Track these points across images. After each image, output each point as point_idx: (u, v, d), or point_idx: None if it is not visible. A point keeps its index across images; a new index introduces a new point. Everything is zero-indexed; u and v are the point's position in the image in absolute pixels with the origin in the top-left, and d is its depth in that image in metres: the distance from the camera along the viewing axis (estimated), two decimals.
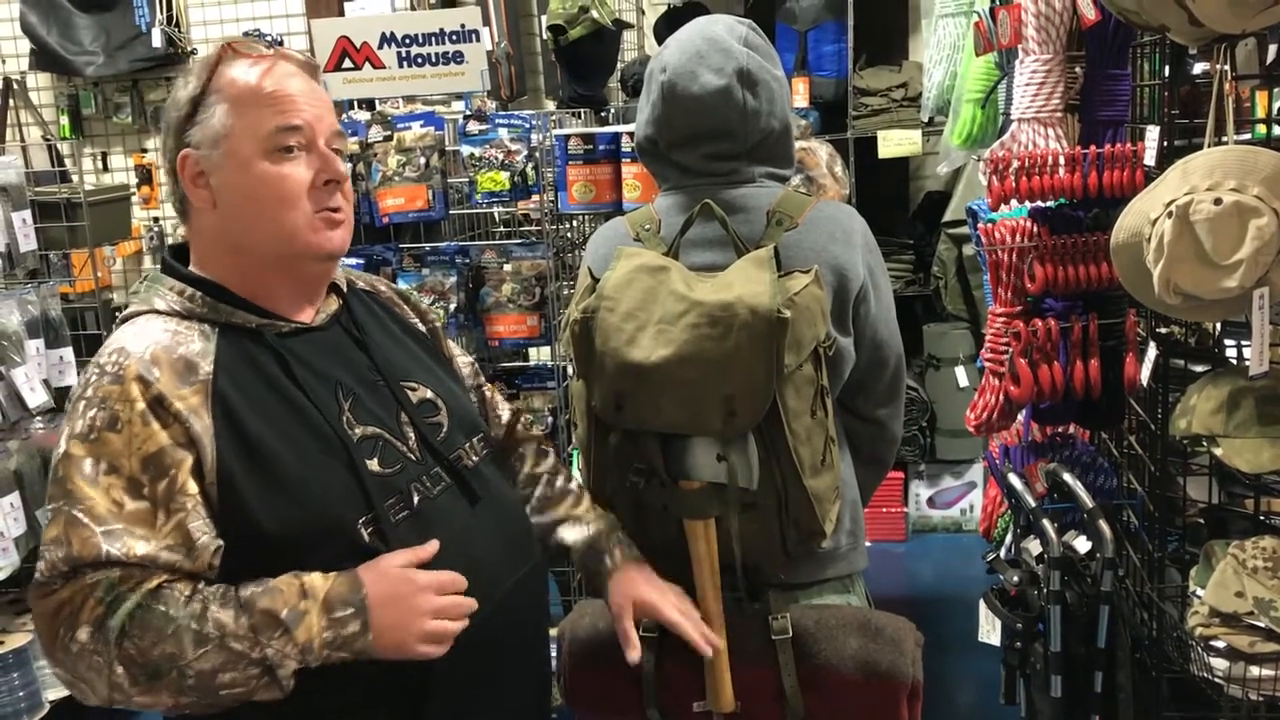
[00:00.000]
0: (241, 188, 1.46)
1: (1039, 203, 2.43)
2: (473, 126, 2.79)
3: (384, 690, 1.44)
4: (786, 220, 1.82)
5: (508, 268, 2.85)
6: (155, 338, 1.43)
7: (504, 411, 1.89)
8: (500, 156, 2.77)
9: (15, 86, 5.35)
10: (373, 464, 1.48)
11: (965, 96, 3.01)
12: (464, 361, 1.85)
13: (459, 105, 4.92)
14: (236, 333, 1.48)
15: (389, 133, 2.84)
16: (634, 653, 1.69)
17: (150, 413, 1.37)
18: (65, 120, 5.48)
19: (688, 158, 1.88)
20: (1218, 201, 1.86)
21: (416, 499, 1.50)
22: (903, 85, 4.53)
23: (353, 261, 2.91)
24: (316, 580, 1.38)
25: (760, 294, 1.65)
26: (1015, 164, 2.31)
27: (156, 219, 5.60)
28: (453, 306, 2.83)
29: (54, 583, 1.34)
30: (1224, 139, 2.02)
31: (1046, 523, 2.37)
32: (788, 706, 1.78)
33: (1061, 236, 2.38)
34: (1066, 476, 2.43)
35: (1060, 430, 2.82)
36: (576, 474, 1.93)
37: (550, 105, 4.75)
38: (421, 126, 2.84)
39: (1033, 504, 2.43)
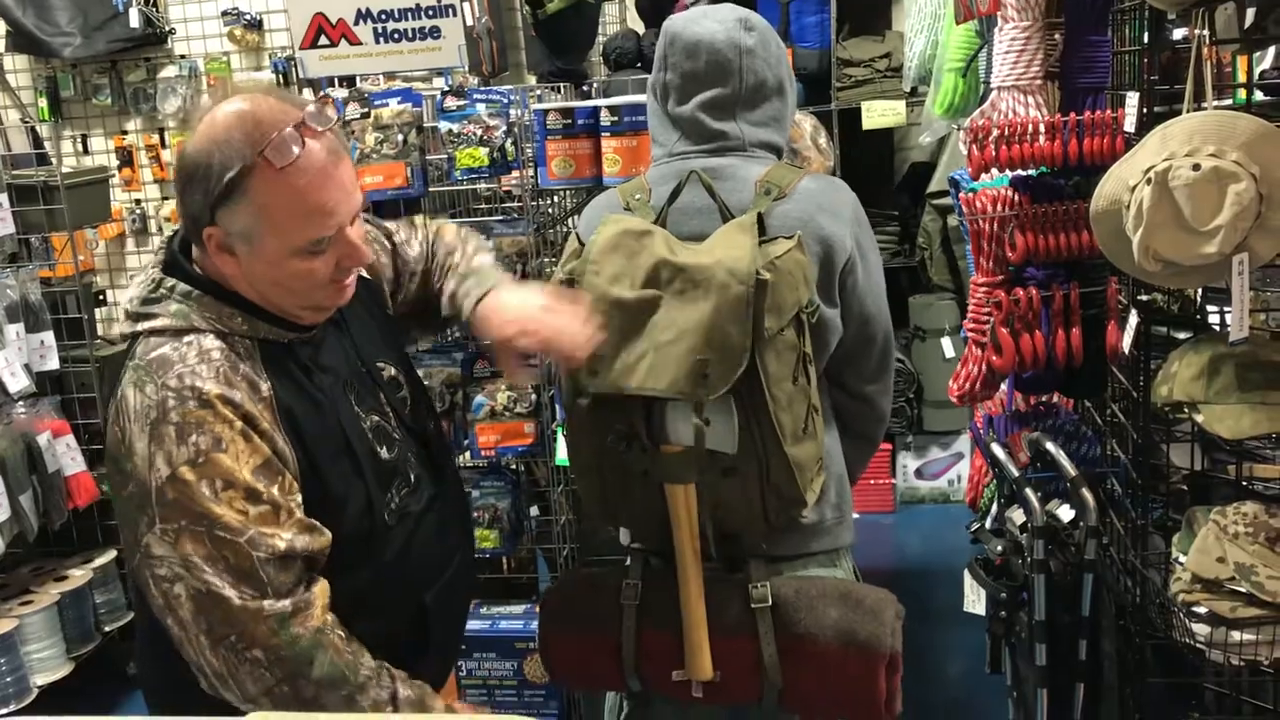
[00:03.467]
0: (269, 276, 1.52)
1: (1019, 171, 2.42)
2: (451, 103, 2.76)
3: (405, 623, 1.66)
4: (775, 190, 1.82)
5: (489, 244, 2.83)
6: (217, 359, 1.49)
7: (414, 248, 1.90)
8: (479, 132, 2.74)
9: None
10: (384, 452, 1.63)
11: (946, 65, 3.00)
12: (414, 258, 1.88)
13: (440, 82, 4.89)
14: (272, 347, 1.55)
15: (366, 110, 2.81)
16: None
17: (249, 428, 1.47)
18: (44, 103, 5.43)
19: (685, 109, 1.89)
20: (1196, 167, 1.86)
21: (412, 476, 1.68)
22: (886, 55, 4.51)
23: None
24: (430, 694, 1.60)
25: (740, 257, 1.66)
26: (995, 132, 2.30)
27: (139, 201, 5.56)
28: None
29: (223, 590, 1.45)
30: (1203, 104, 2.01)
31: (1030, 492, 2.38)
32: (765, 676, 1.79)
33: (1042, 205, 2.37)
34: (1049, 445, 2.43)
35: (1044, 399, 2.82)
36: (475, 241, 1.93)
37: (532, 81, 4.71)
38: (399, 103, 2.80)
39: (1016, 473, 2.43)
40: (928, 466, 4.86)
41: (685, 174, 1.83)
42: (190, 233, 1.54)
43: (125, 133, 5.51)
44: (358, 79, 3.95)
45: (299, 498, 1.51)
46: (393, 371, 1.74)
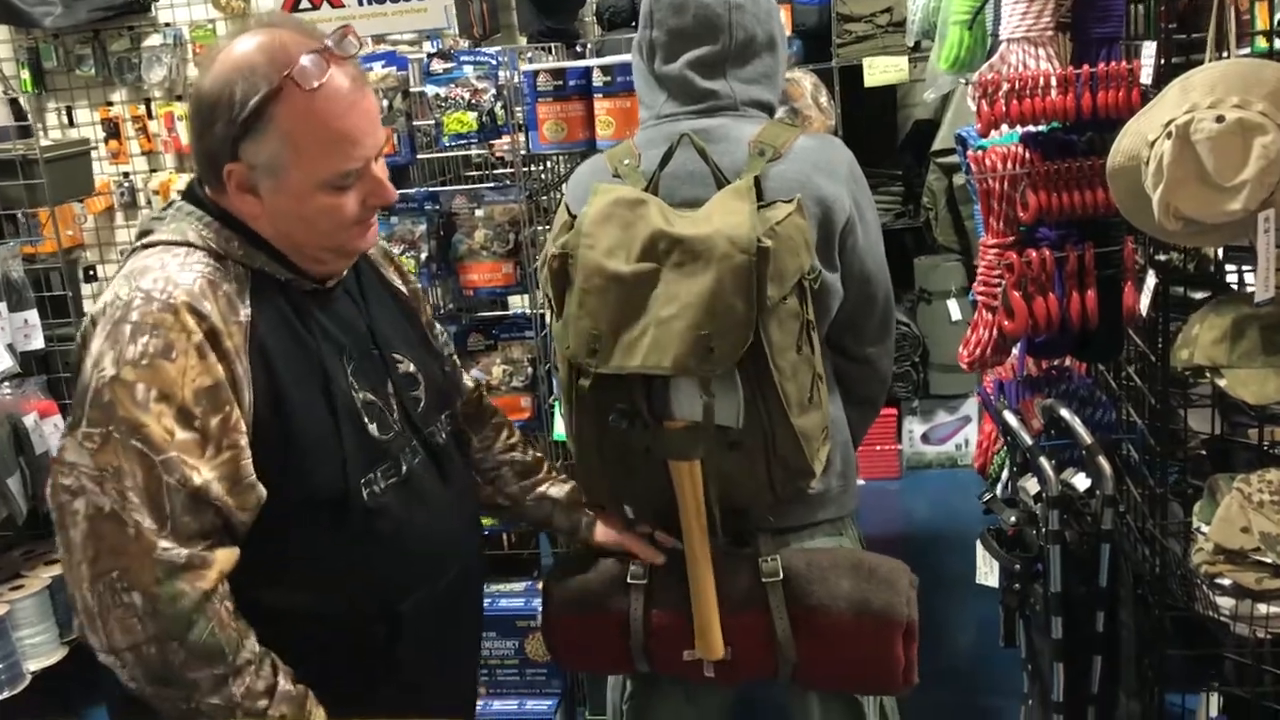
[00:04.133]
0: (294, 211, 1.45)
1: (1030, 127, 2.32)
2: (437, 65, 2.66)
3: (362, 638, 1.51)
4: (769, 151, 1.75)
5: (480, 213, 2.74)
6: (200, 270, 1.41)
7: (469, 381, 1.95)
8: (467, 96, 2.64)
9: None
10: (373, 428, 1.52)
11: (951, 18, 2.88)
12: (439, 330, 1.87)
13: (429, 45, 4.77)
14: (268, 281, 1.47)
15: None
16: (656, 557, 1.79)
17: (207, 345, 1.37)
18: (26, 74, 5.31)
19: (672, 68, 1.82)
20: (1220, 119, 1.76)
21: (404, 467, 1.56)
22: (887, 10, 4.38)
23: None
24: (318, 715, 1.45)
25: (739, 225, 1.60)
26: (1005, 87, 2.19)
27: (126, 174, 5.46)
28: (424, 256, 2.72)
29: (122, 513, 1.33)
30: (1224, 53, 1.91)
31: (1044, 461, 2.29)
32: (779, 651, 1.74)
33: (1054, 162, 2.27)
34: (1064, 412, 2.35)
35: (1056, 363, 2.73)
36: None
37: (523, 42, 4.59)
38: (383, 67, 2.70)
39: (1030, 442, 2.35)
40: (934, 431, 4.78)
41: (676, 137, 1.75)
42: (207, 174, 1.46)
43: (110, 104, 5.39)
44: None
45: (243, 440, 1.39)
46: (410, 368, 1.64)
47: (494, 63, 2.68)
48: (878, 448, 4.62)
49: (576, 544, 1.91)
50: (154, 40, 5.25)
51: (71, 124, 5.41)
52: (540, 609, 1.93)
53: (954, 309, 4.60)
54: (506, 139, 2.73)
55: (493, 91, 2.67)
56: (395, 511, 1.53)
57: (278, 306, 1.46)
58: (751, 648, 1.75)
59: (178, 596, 1.34)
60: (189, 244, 1.44)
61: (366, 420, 1.51)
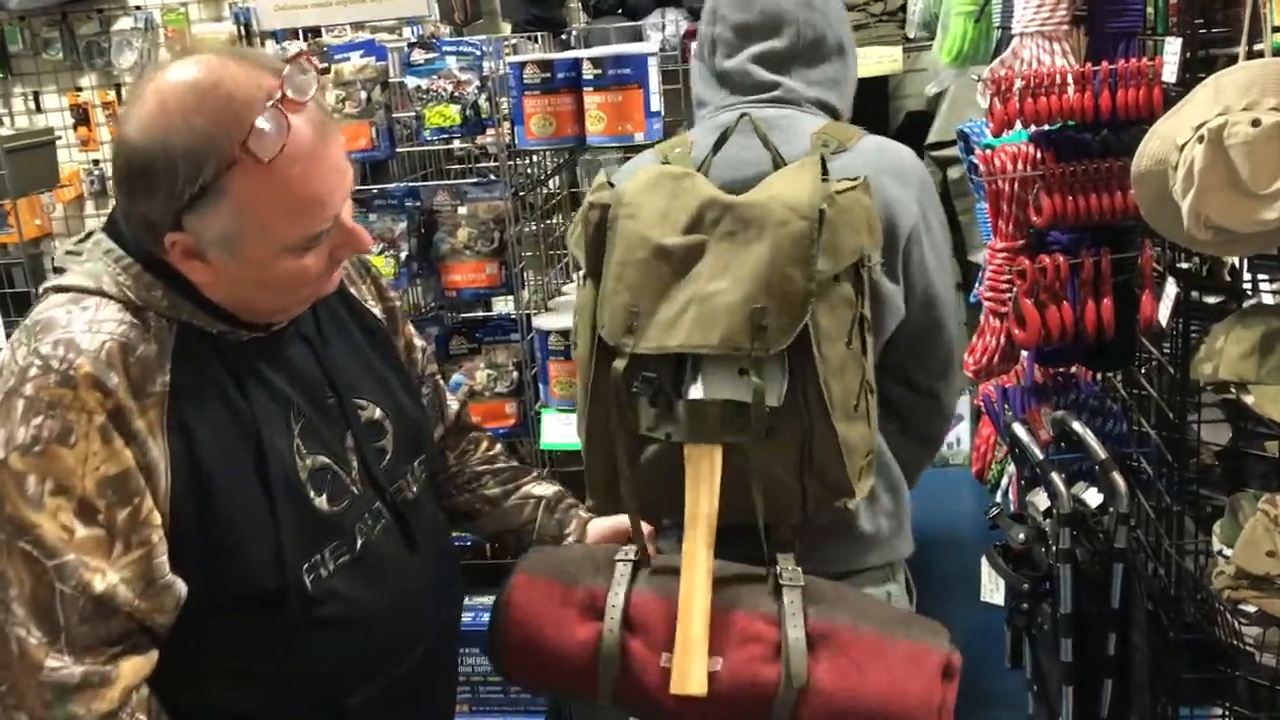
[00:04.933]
0: (252, 279, 1.28)
1: (1042, 126, 2.21)
2: (418, 55, 2.54)
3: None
4: (834, 143, 1.63)
5: (463, 210, 2.61)
6: (109, 331, 1.22)
7: (453, 402, 1.81)
8: (449, 88, 2.51)
9: None
10: (320, 501, 1.35)
11: (955, 9, 2.77)
12: (420, 347, 1.71)
13: (410, 33, 4.63)
14: (195, 336, 1.29)
15: (325, 65, 2.58)
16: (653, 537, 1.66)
17: (111, 427, 1.20)
18: None
19: (734, 62, 1.72)
20: (1256, 123, 1.65)
21: (359, 541, 1.39)
22: None
23: None
24: None
25: (800, 191, 1.46)
26: (1020, 84, 2.08)
27: (97, 161, 5.30)
28: (404, 255, 2.59)
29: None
30: (1257, 49, 1.80)
31: (1056, 476, 2.19)
32: (788, 666, 1.47)
33: (1068, 163, 2.16)
34: (1076, 425, 2.25)
35: (1063, 370, 2.63)
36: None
37: (508, 30, 4.45)
38: (361, 57, 2.58)
39: (1040, 456, 2.24)
40: None
41: (733, 120, 1.63)
42: (144, 238, 1.26)
43: (79, 89, 5.24)
44: (323, 31, 3.69)
45: (155, 535, 1.22)
46: (376, 414, 1.46)
47: (478, 53, 2.55)
48: None
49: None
50: (124, 24, 5.09)
51: (39, 110, 5.25)
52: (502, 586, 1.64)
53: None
54: (492, 133, 2.60)
55: (476, 83, 2.54)
56: (345, 596, 1.36)
57: (206, 367, 1.29)
58: (747, 657, 1.49)
59: None
60: (102, 293, 1.25)
61: (312, 494, 1.33)
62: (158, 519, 1.22)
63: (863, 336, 1.55)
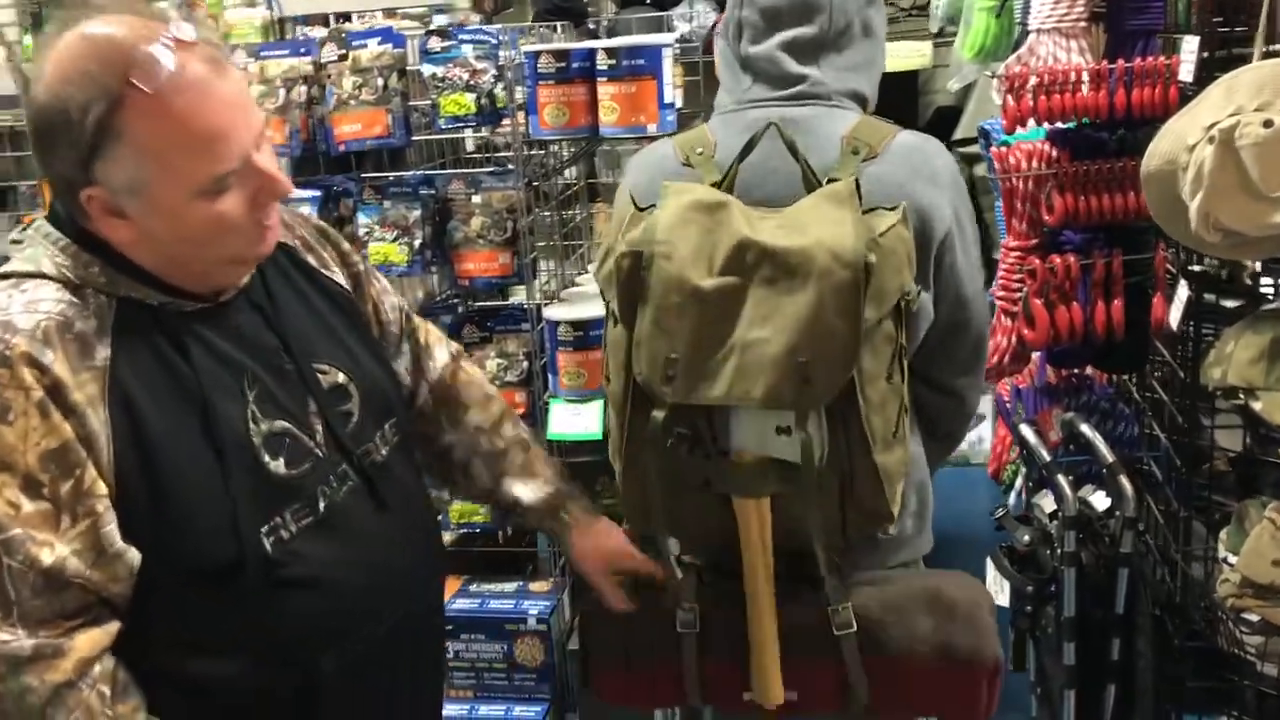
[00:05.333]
0: (172, 231, 1.26)
1: (1059, 124, 2.19)
2: (435, 44, 2.53)
3: (273, 695, 1.34)
4: (864, 150, 1.56)
5: (477, 199, 2.61)
6: (46, 310, 1.23)
7: (441, 353, 1.74)
8: (465, 77, 2.51)
9: None
10: (277, 465, 1.33)
11: (978, 5, 2.74)
12: (390, 306, 1.65)
13: (441, 19, 4.63)
14: (135, 309, 1.28)
15: (344, 52, 2.59)
16: (622, 605, 1.66)
17: (50, 402, 1.20)
18: (30, 40, 5.20)
19: (761, 49, 1.64)
20: (1268, 124, 1.63)
21: (322, 503, 1.37)
22: None
23: (309, 194, 2.67)
24: None
25: (842, 236, 1.42)
26: (1033, 81, 2.06)
27: None
28: (417, 243, 2.59)
29: None
30: (1275, 49, 1.78)
31: (1062, 478, 2.17)
32: (852, 694, 1.60)
33: (1083, 162, 2.14)
34: (1084, 428, 2.22)
35: (1076, 372, 2.60)
36: (522, 427, 1.77)
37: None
38: (379, 44, 2.58)
39: (1047, 458, 2.22)
40: None
41: (760, 125, 1.57)
42: (67, 202, 1.27)
43: None
44: (354, 17, 3.70)
45: (101, 505, 1.21)
46: (340, 379, 1.43)
47: (495, 42, 2.55)
48: None
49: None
50: (159, 3, 5.13)
51: None
52: (579, 657, 1.75)
53: None
54: (507, 122, 2.59)
55: (493, 72, 2.53)
56: (309, 556, 1.34)
57: (148, 339, 1.27)
58: (820, 691, 1.61)
59: (25, 692, 1.19)
60: (42, 275, 1.26)
61: (267, 458, 1.32)
62: (102, 489, 1.22)
63: (901, 367, 1.53)
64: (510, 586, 2.85)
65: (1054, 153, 2.19)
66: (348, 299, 1.55)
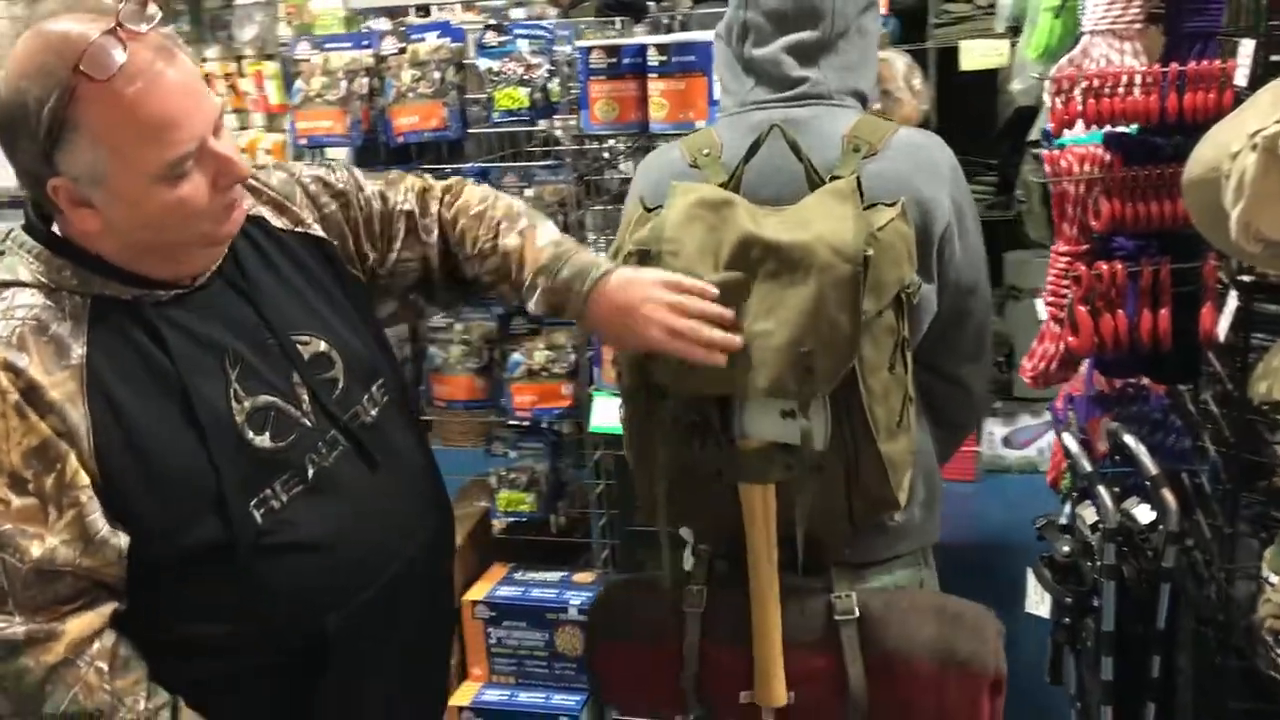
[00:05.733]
0: (136, 218, 1.30)
1: (1114, 128, 2.14)
2: (490, 38, 2.57)
3: (282, 657, 1.40)
4: (865, 147, 1.60)
5: (529, 193, 2.64)
6: (21, 316, 1.29)
7: (432, 205, 1.67)
8: (519, 71, 2.54)
9: None
10: (262, 439, 1.38)
11: (1044, 5, 2.69)
12: (372, 193, 1.62)
13: (518, 13, 4.68)
14: (110, 306, 1.33)
15: (403, 45, 2.64)
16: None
17: (26, 403, 1.26)
18: None
19: (765, 51, 1.66)
20: None
21: (311, 471, 1.42)
22: None
23: None
24: None
25: (842, 231, 1.46)
26: (1083, 84, 2.02)
27: None
28: None
29: None
30: None
31: (1103, 489, 2.13)
32: (851, 699, 1.59)
33: (1136, 168, 2.09)
34: (1128, 438, 2.18)
35: (1133, 381, 2.54)
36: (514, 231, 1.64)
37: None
38: (437, 38, 2.62)
39: (1088, 468, 2.19)
40: (1016, 435, 4.57)
41: (764, 127, 1.61)
42: (37, 196, 1.32)
43: (205, 60, 5.44)
44: (433, 10, 3.77)
45: (84, 495, 1.27)
46: (321, 347, 1.47)
47: (550, 37, 2.57)
48: None
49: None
50: None
51: None
52: (585, 638, 1.79)
53: (1043, 308, 4.37)
54: (560, 118, 2.62)
55: (547, 67, 2.56)
56: (301, 522, 1.39)
57: (124, 333, 1.32)
58: (818, 695, 1.61)
59: (23, 673, 1.26)
60: (19, 282, 1.32)
61: (251, 434, 1.37)
62: (84, 479, 1.27)
63: (904, 357, 1.55)
64: (554, 576, 2.89)
65: (1107, 157, 2.14)
66: (326, 249, 1.56)
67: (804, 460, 1.51)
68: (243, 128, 5.47)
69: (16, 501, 1.25)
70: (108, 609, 1.31)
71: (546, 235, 1.63)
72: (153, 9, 1.26)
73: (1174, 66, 1.98)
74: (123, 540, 1.29)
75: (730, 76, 1.72)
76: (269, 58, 5.23)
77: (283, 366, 1.43)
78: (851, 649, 1.58)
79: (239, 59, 5.35)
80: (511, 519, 2.95)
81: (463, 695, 2.81)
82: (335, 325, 1.52)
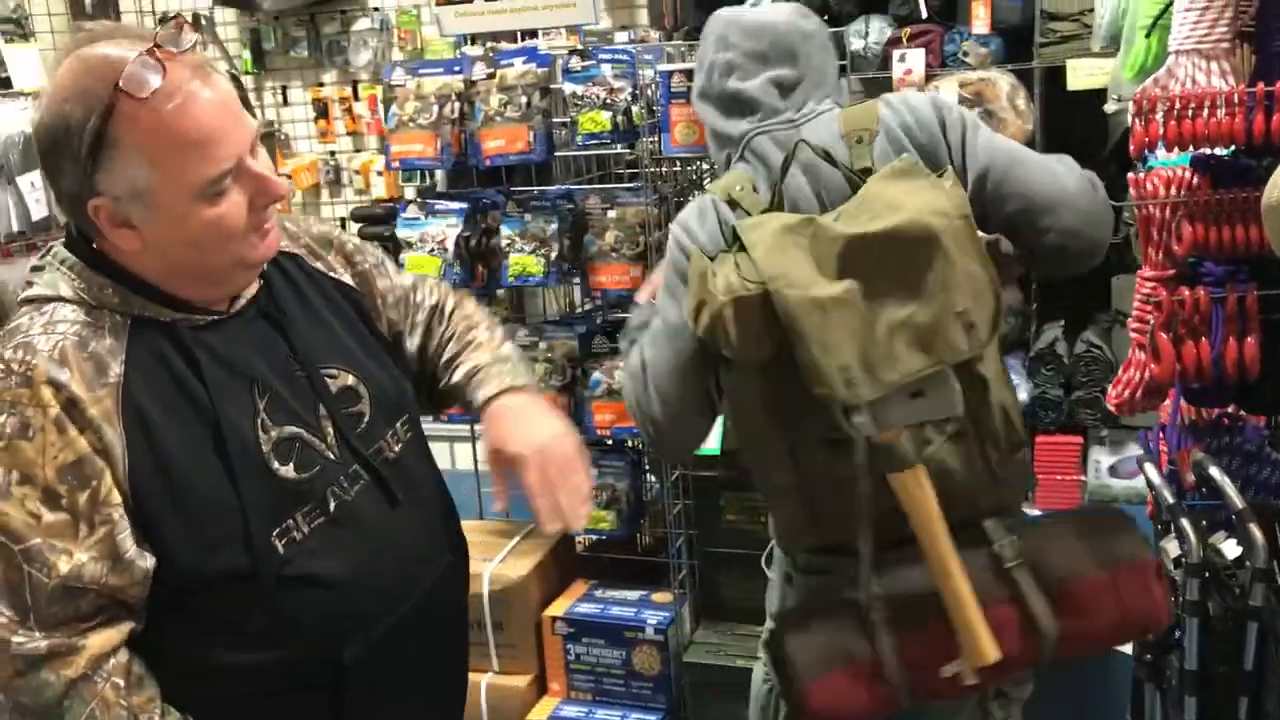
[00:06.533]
0: (177, 237, 1.33)
1: (1202, 150, 2.07)
2: (575, 63, 2.62)
3: (299, 685, 1.40)
4: (865, 135, 1.75)
5: (612, 214, 2.68)
6: (63, 331, 1.32)
7: (421, 292, 1.73)
8: (602, 95, 2.58)
9: (203, 22, 5.49)
10: (287, 470, 1.39)
11: (1140, 24, 2.61)
12: (400, 288, 1.67)
13: (622, 37, 4.74)
14: (149, 326, 1.36)
15: (492, 70, 2.70)
16: (499, 505, 1.56)
17: (66, 418, 1.28)
18: (247, 54, 5.60)
19: (753, 83, 1.81)
20: None
21: (333, 504, 1.43)
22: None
23: (457, 206, 2.81)
24: None
25: (937, 198, 1.57)
26: (1164, 106, 1.96)
27: (333, 153, 5.70)
28: (553, 255, 2.68)
29: None
30: None
31: (1186, 522, 2.06)
32: (1042, 632, 1.67)
33: (1223, 191, 2.02)
34: (1213, 470, 2.09)
35: (1227, 411, 2.45)
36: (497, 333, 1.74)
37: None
38: (524, 63, 2.68)
39: (1170, 500, 2.11)
40: (1123, 464, 4.40)
41: (773, 149, 1.74)
42: (77, 217, 1.35)
43: (321, 85, 5.64)
44: (540, 34, 3.83)
45: (116, 514, 1.29)
46: (349, 381, 1.49)
47: (631, 61, 2.61)
48: (1058, 477, 4.30)
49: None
50: (362, 24, 5.45)
51: (285, 103, 5.68)
52: (787, 679, 1.74)
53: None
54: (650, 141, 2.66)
55: (629, 91, 2.60)
56: (322, 553, 1.40)
57: (161, 355, 1.35)
58: (1011, 642, 1.65)
59: (42, 687, 1.27)
60: (60, 298, 1.34)
61: (276, 464, 1.38)
62: (117, 498, 1.29)
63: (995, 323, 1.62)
64: (634, 595, 2.91)
65: (1194, 180, 2.07)
66: (356, 297, 1.60)
67: (943, 429, 1.60)
68: (357, 150, 5.65)
69: (48, 516, 1.27)
70: (126, 627, 1.33)
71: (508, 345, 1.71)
72: (189, 33, 1.31)
73: (1260, 86, 1.91)
74: (149, 562, 1.31)
75: (722, 120, 1.85)
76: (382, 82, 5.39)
77: (309, 399, 1.45)
78: (1031, 588, 1.65)
79: (354, 84, 5.54)
80: (593, 536, 2.98)
81: (541, 710, 2.85)
82: (363, 360, 1.54)
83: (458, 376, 1.65)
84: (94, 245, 1.38)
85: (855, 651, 1.67)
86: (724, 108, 1.82)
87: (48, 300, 1.35)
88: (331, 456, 1.44)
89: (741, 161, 1.81)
